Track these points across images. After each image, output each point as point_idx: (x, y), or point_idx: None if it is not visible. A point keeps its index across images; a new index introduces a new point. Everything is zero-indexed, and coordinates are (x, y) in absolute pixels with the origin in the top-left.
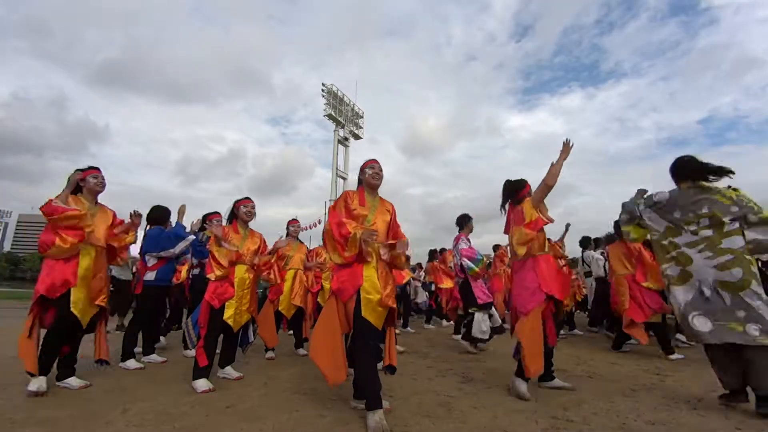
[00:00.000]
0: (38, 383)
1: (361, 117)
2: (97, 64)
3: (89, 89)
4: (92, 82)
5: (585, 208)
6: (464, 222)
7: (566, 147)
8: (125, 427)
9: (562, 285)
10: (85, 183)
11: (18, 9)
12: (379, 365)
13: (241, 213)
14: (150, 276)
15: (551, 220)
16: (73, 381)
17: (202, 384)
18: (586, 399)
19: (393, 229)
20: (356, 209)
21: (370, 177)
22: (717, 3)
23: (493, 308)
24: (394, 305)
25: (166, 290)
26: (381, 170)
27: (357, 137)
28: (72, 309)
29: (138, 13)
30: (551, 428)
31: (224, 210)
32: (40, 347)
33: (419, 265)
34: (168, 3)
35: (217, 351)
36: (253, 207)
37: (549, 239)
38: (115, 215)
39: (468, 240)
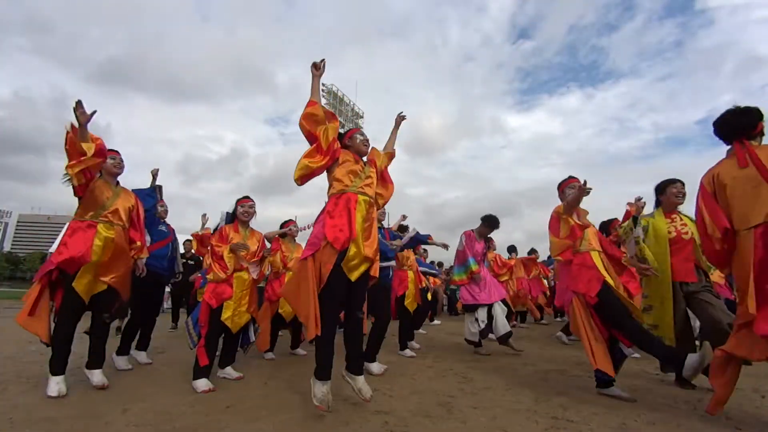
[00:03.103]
0: (57, 387)
1: (361, 117)
2: (98, 63)
3: (91, 88)
4: (94, 80)
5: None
6: (484, 223)
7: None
8: (125, 427)
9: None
10: (104, 165)
11: (19, 6)
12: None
13: (238, 213)
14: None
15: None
16: (96, 376)
17: (202, 384)
18: (586, 399)
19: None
20: (347, 163)
21: (362, 143)
22: (712, 4)
23: (496, 310)
24: (375, 258)
25: (158, 276)
26: (368, 138)
27: None
28: (74, 285)
29: (139, 11)
30: (551, 428)
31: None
32: (52, 346)
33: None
34: (170, 1)
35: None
36: (251, 206)
37: None
38: (137, 199)
39: (472, 240)
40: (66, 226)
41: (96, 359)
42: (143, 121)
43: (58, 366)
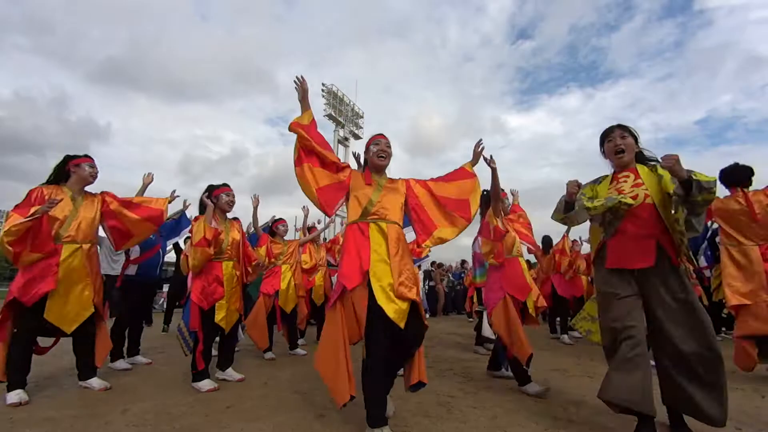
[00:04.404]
0: (18, 395)
1: (361, 117)
2: (98, 62)
3: (91, 88)
4: (94, 80)
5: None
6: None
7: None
8: (125, 427)
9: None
10: (79, 170)
11: (19, 5)
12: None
13: (222, 202)
14: (131, 270)
15: (502, 231)
16: (94, 382)
17: (206, 384)
18: (586, 399)
19: (417, 206)
20: (358, 189)
21: (375, 155)
22: (711, 5)
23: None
24: (416, 297)
25: (149, 286)
26: (389, 147)
27: (357, 137)
28: (46, 316)
29: (139, 11)
30: (551, 428)
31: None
32: (6, 359)
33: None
34: (169, 1)
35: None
36: (234, 195)
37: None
38: (103, 198)
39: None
40: None
41: (88, 368)
42: (143, 121)
43: (20, 380)
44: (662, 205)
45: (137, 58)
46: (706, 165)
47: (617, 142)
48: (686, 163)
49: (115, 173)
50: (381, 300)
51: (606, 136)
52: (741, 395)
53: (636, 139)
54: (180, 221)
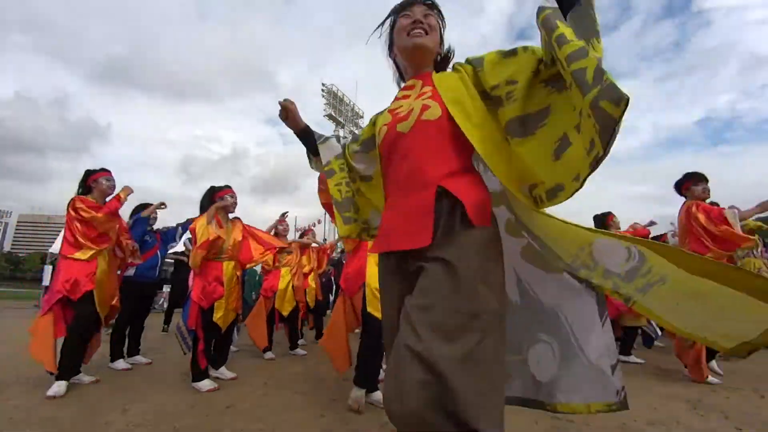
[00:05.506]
0: (59, 387)
1: (361, 117)
2: (99, 62)
3: (91, 88)
4: (94, 80)
5: (583, 209)
6: None
7: None
8: (125, 427)
9: None
10: (98, 185)
11: (20, 5)
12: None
13: (228, 204)
14: (130, 271)
15: None
16: (83, 377)
17: (206, 384)
18: None
19: None
20: None
21: None
22: (708, 6)
23: None
24: None
25: (148, 287)
26: None
27: None
28: (98, 310)
29: (139, 11)
30: (551, 428)
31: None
32: (61, 351)
33: None
34: (169, 1)
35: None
36: (236, 196)
37: None
38: (120, 219)
39: None
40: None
41: (77, 366)
42: (144, 121)
43: (68, 373)
44: (464, 116)
45: (137, 57)
46: (705, 165)
47: (417, 17)
48: (686, 164)
49: (115, 173)
50: (371, 305)
51: (398, 12)
52: (741, 395)
53: (442, 27)
54: (177, 232)
